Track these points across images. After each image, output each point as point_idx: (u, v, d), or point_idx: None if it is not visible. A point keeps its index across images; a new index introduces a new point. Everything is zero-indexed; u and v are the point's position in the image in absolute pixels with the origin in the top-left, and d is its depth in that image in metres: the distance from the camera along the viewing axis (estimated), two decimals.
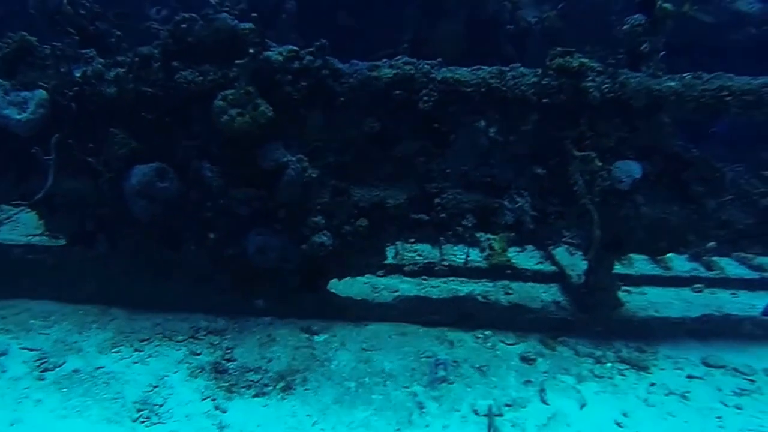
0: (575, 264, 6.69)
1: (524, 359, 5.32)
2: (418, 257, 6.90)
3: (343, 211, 5.31)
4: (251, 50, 4.80)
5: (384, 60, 5.10)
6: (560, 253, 7.04)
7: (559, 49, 5.02)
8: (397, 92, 4.96)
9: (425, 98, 4.93)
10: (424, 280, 6.63)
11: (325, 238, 5.25)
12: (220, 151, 5.18)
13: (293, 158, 5.05)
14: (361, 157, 5.25)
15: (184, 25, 4.92)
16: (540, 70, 5.03)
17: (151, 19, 7.79)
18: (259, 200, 5.25)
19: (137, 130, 5.21)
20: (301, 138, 5.17)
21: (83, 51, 5.21)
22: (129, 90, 5.01)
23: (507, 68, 5.08)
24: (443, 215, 5.27)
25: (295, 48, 4.95)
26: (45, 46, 5.23)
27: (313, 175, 5.13)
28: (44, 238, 6.12)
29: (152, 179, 5.14)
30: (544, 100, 4.96)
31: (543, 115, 5.06)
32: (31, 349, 5.37)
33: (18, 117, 5.07)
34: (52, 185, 5.18)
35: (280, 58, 4.87)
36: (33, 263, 6.03)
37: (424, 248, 7.07)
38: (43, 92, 5.12)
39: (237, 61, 4.82)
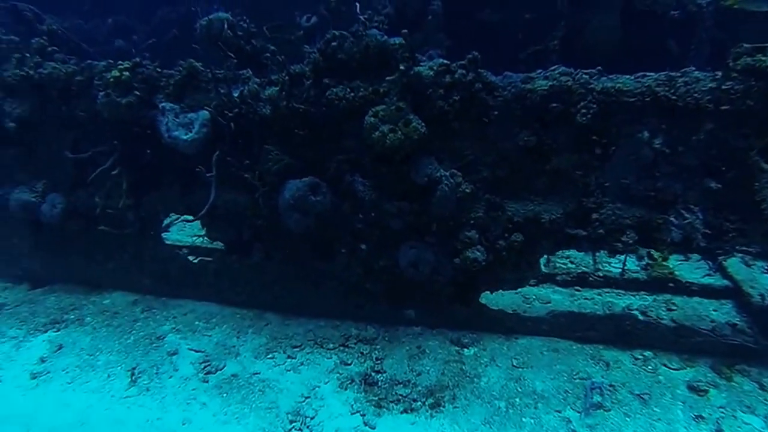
0: (754, 279, 6.00)
1: (693, 389, 4.91)
2: (570, 264, 6.59)
3: (498, 226, 5.17)
4: (402, 66, 4.75)
5: (539, 71, 4.84)
6: (734, 264, 6.21)
7: (745, 45, 4.46)
8: (554, 105, 4.69)
9: (583, 111, 4.63)
10: (577, 290, 6.32)
11: (478, 254, 5.14)
12: (372, 165, 5.22)
13: (446, 173, 4.98)
14: (515, 171, 5.05)
15: (334, 43, 4.96)
16: (719, 74, 4.53)
17: (302, 28, 7.92)
18: (411, 214, 5.25)
19: (291, 146, 5.37)
20: (453, 152, 5.08)
21: (241, 72, 5.41)
22: (282, 108, 5.15)
23: (678, 74, 4.63)
24: (601, 231, 4.96)
25: (446, 62, 4.84)
26: (208, 70, 5.52)
27: (467, 190, 5.03)
28: (207, 240, 6.55)
29: (305, 193, 5.28)
30: (724, 108, 4.46)
31: (720, 123, 4.56)
32: (197, 351, 5.81)
33: (185, 137, 5.41)
34: (215, 198, 5.49)
35: (431, 72, 4.79)
36: (197, 266, 6.47)
37: (577, 254, 6.66)
38: (206, 113, 5.41)
39: (387, 78, 4.78)
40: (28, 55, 6.13)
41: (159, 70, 5.67)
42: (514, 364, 5.36)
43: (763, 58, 4.31)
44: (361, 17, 4.97)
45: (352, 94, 4.98)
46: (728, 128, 4.57)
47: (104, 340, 5.92)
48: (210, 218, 5.99)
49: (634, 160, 4.85)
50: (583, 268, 6.42)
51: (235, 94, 5.38)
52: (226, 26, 5.73)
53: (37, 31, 7.08)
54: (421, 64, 4.86)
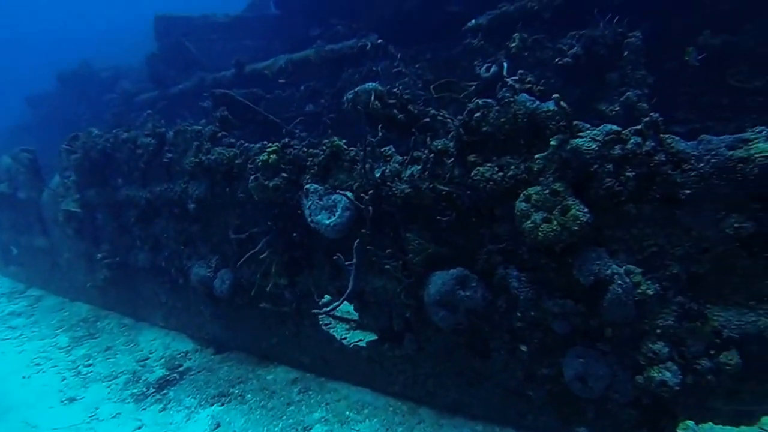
0: None
1: None
2: None
3: (698, 340, 3.83)
4: (553, 140, 3.79)
5: (759, 129, 3.48)
6: None
7: None
8: None
9: None
10: None
11: (668, 375, 3.85)
12: (530, 255, 4.29)
13: (620, 270, 3.84)
14: (723, 269, 3.70)
15: (478, 114, 4.20)
16: None
17: (481, 79, 7.30)
18: (579, 315, 4.19)
19: (436, 232, 4.70)
20: (631, 242, 3.92)
21: (383, 149, 4.93)
22: (425, 190, 4.52)
23: None
24: None
25: (615, 129, 3.75)
26: (351, 148, 5.16)
27: (649, 292, 3.82)
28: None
29: (453, 288, 4.55)
30: None
31: None
32: None
33: (327, 222, 5.08)
34: (354, 288, 5.05)
35: (594, 145, 3.74)
36: (352, 350, 6.09)
37: None
38: (350, 194, 5.03)
39: (537, 156, 3.87)
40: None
41: (306, 149, 5.49)
42: None
43: None
44: (509, 80, 4.14)
45: (501, 173, 4.15)
46: None
47: (255, 424, 5.78)
48: (360, 304, 5.59)
49: None
50: None
51: (377, 174, 4.91)
52: (373, 97, 5.32)
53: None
54: (581, 134, 3.82)
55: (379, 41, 8.27)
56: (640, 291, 3.83)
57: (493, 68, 6.96)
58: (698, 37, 6.47)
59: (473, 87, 6.28)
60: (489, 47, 7.36)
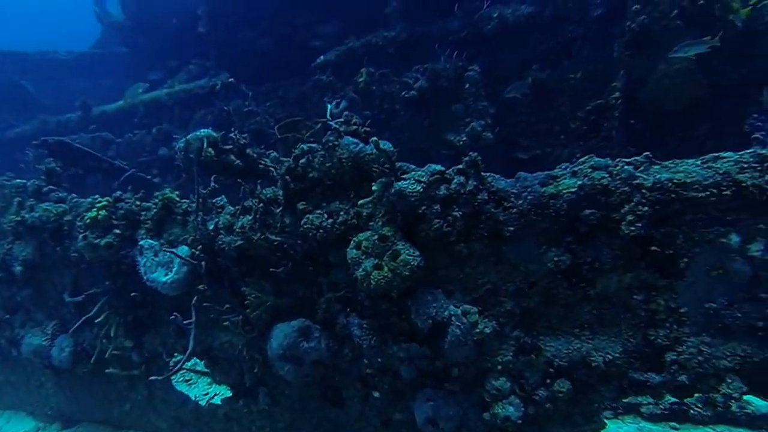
0: None
1: None
2: None
3: (534, 372, 3.86)
4: (375, 185, 3.71)
5: (565, 166, 3.59)
6: None
7: None
8: (589, 212, 3.41)
9: (631, 217, 3.30)
10: (674, 429, 4.73)
11: (511, 409, 3.85)
12: (370, 301, 4.15)
13: (457, 310, 3.80)
14: (550, 301, 3.76)
15: (303, 160, 4.04)
16: None
17: (331, 116, 7.22)
18: (424, 358, 4.09)
19: (275, 283, 4.46)
20: (465, 282, 3.90)
21: (214, 200, 4.64)
22: (257, 241, 4.28)
23: None
24: (683, 377, 3.50)
25: (439, 169, 3.73)
26: (184, 200, 4.83)
27: (487, 331, 3.80)
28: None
29: (296, 340, 4.32)
30: None
31: None
32: None
33: (164, 279, 4.70)
34: (195, 348, 4.69)
35: (418, 187, 3.68)
36: (208, 409, 5.68)
37: None
38: (186, 248, 4.69)
39: (361, 201, 3.77)
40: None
41: (138, 203, 5.07)
42: None
43: None
44: (333, 123, 4.02)
45: (331, 220, 3.99)
46: None
47: None
48: (210, 361, 5.21)
49: (722, 276, 3.40)
50: None
51: (211, 226, 4.60)
52: (206, 144, 5.00)
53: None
54: (404, 177, 3.76)
55: (230, 80, 7.98)
56: (478, 330, 3.81)
57: (342, 103, 6.92)
58: (528, 71, 6.80)
59: (318, 125, 6.18)
60: (338, 83, 7.31)
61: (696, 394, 3.60)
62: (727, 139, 5.76)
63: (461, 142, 6.47)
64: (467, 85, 6.52)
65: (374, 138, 3.69)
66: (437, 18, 7.30)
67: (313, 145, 4.02)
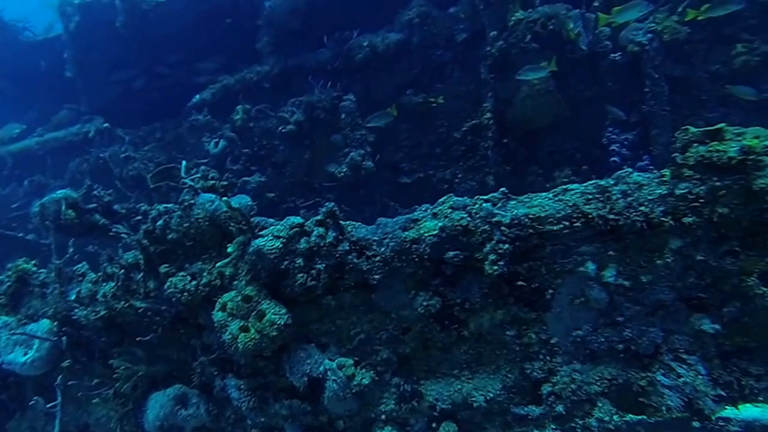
0: None
1: None
2: None
3: (419, 418, 3.77)
4: (231, 246, 3.53)
5: (425, 206, 3.54)
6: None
7: (691, 129, 3.10)
8: (452, 254, 3.36)
9: (493, 256, 3.27)
10: None
11: None
12: (246, 360, 3.94)
13: (332, 364, 3.66)
14: (426, 344, 3.68)
15: (160, 222, 3.79)
16: (666, 172, 3.16)
17: (210, 154, 7.00)
18: (307, 414, 3.92)
19: (147, 350, 4.17)
20: (339, 334, 3.77)
21: (74, 268, 4.30)
22: (122, 309, 3.99)
23: (611, 179, 3.27)
24: (560, 407, 3.50)
25: (297, 222, 3.58)
26: (41, 270, 4.45)
27: (365, 381, 3.68)
28: None
29: (173, 409, 4.06)
30: (688, 220, 3.06)
31: (690, 239, 3.15)
32: None
33: (23, 360, 4.30)
34: (65, 428, 4.33)
35: (277, 243, 3.52)
36: None
37: None
38: (47, 323, 4.31)
39: (219, 264, 3.57)
40: None
41: None
42: None
43: (721, 147, 2.91)
44: (188, 180, 3.80)
45: (194, 282, 3.76)
46: (703, 245, 3.14)
47: None
48: None
49: (584, 303, 3.44)
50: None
51: (72, 296, 4.26)
52: (64, 206, 4.65)
53: None
54: (262, 234, 3.58)
55: (105, 125, 7.53)
56: (356, 383, 3.67)
57: (221, 143, 6.68)
58: (402, 96, 6.82)
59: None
60: (215, 121, 7.07)
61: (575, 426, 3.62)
62: (592, 150, 6.02)
63: (342, 174, 6.39)
64: (343, 115, 6.45)
65: (225, 198, 3.51)
66: (309, 50, 7.22)
67: (169, 205, 3.78)
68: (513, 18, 6.38)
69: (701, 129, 3.07)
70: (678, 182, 3.09)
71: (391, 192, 7.33)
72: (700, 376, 3.28)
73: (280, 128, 6.55)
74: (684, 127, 3.11)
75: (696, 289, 3.25)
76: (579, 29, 6.02)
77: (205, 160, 6.81)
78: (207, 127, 6.96)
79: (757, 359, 3.22)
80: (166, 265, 3.87)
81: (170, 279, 3.82)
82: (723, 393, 3.26)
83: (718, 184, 2.97)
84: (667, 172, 3.17)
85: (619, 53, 6.10)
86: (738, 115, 5.58)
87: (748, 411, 3.58)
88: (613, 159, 6.37)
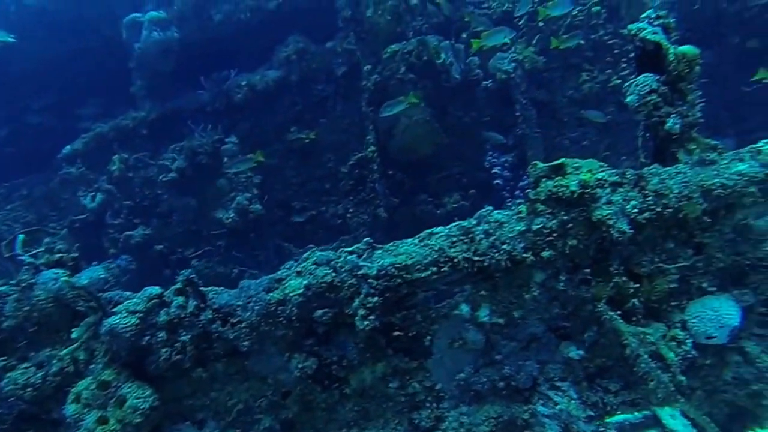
0: None
1: None
2: None
3: None
4: (84, 324, 3.21)
5: (290, 263, 3.38)
6: None
7: (539, 164, 3.15)
8: (321, 313, 3.21)
9: (363, 312, 3.15)
10: None
11: None
12: None
13: None
14: (309, 407, 3.50)
15: None
16: (522, 208, 3.18)
17: (87, 209, 6.51)
18: None
19: None
20: (215, 406, 3.50)
21: None
22: None
23: (474, 220, 3.26)
24: None
25: (155, 293, 3.31)
26: None
27: None
28: None
29: None
30: (546, 254, 3.08)
31: (551, 271, 3.19)
32: None
33: None
34: None
35: (134, 319, 3.23)
36: None
37: None
38: None
39: (64, 351, 3.25)
40: None
41: None
42: None
43: (564, 182, 2.97)
44: (26, 257, 3.43)
45: (41, 373, 3.39)
46: (562, 276, 3.18)
47: None
48: None
49: (463, 345, 3.39)
50: None
51: None
52: None
53: None
54: (116, 310, 3.29)
55: None
56: None
57: (98, 196, 6.26)
58: (287, 134, 6.69)
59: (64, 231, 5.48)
60: (90, 173, 6.60)
61: None
62: (477, 174, 6.14)
63: (230, 219, 6.14)
64: (225, 159, 6.21)
65: (65, 278, 3.18)
66: (186, 92, 6.94)
67: (3, 288, 3.40)
68: (388, 51, 6.41)
69: (547, 164, 3.13)
70: (534, 217, 3.11)
71: (284, 231, 7.13)
72: (572, 401, 3.31)
73: (161, 176, 6.21)
74: (533, 163, 3.15)
75: (561, 319, 3.29)
76: (450, 59, 6.14)
77: (82, 216, 6.32)
78: (81, 180, 6.48)
79: (614, 375, 3.31)
80: (3, 358, 3.46)
81: (9, 374, 3.42)
82: (592, 413, 3.29)
83: (566, 217, 3.02)
84: (523, 208, 3.19)
85: (491, 80, 6.27)
86: (593, 134, 6.04)
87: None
88: (496, 181, 6.52)
